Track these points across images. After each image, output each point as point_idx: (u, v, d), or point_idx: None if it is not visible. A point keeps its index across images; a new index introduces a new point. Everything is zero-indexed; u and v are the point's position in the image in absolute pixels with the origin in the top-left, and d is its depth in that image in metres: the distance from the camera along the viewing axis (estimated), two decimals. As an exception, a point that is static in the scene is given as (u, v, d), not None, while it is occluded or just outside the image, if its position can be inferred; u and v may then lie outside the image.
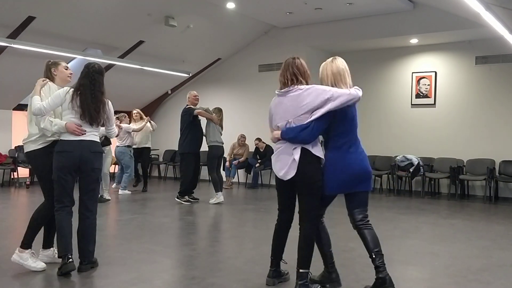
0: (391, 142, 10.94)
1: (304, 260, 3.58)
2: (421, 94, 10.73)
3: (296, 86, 3.57)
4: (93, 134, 4.21)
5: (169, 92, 13.07)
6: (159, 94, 13.19)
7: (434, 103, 10.58)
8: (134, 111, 10.41)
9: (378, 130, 11.19)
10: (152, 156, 13.51)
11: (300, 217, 3.65)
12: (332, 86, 3.59)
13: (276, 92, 3.69)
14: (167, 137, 13.15)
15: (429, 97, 10.63)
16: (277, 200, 3.85)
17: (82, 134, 4.11)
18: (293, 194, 3.72)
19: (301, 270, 3.56)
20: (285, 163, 3.56)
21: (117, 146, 9.65)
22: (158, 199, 9.36)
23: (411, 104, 10.86)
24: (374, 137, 11.18)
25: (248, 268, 4.39)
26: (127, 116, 10.04)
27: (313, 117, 3.47)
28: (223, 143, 8.68)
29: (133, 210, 7.75)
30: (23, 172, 10.75)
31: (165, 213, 7.66)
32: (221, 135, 8.72)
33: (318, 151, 3.58)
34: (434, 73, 10.61)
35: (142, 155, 10.31)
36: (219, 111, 8.80)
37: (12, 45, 8.55)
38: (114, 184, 10.42)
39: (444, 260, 4.82)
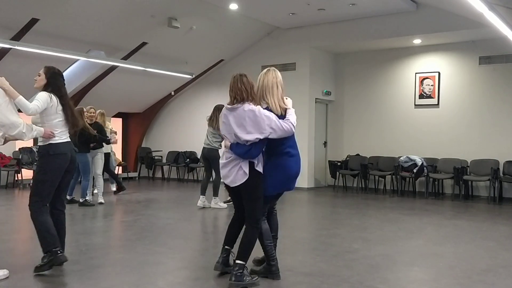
0: (395, 142, 10.92)
1: (241, 253, 3.86)
2: (425, 95, 10.71)
3: (241, 105, 3.79)
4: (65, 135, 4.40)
5: (172, 93, 13.07)
6: (163, 95, 13.19)
7: (438, 104, 10.56)
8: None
9: (381, 130, 11.19)
10: (156, 157, 13.56)
11: (245, 218, 3.96)
12: (261, 97, 3.90)
13: (225, 105, 3.94)
14: (170, 138, 13.16)
15: (432, 98, 10.62)
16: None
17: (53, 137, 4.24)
18: (241, 197, 4.05)
19: (237, 261, 3.84)
20: (232, 172, 3.85)
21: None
22: (162, 201, 9.36)
23: (415, 105, 10.84)
24: (378, 138, 11.18)
25: (252, 269, 4.39)
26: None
27: (251, 140, 3.72)
28: (208, 145, 7.98)
29: (136, 212, 7.75)
30: (27, 173, 10.78)
31: (168, 214, 7.67)
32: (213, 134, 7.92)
33: (260, 166, 3.86)
34: (437, 73, 10.59)
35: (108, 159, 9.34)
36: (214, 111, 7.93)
37: (16, 47, 8.57)
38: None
39: (449, 261, 4.80)
